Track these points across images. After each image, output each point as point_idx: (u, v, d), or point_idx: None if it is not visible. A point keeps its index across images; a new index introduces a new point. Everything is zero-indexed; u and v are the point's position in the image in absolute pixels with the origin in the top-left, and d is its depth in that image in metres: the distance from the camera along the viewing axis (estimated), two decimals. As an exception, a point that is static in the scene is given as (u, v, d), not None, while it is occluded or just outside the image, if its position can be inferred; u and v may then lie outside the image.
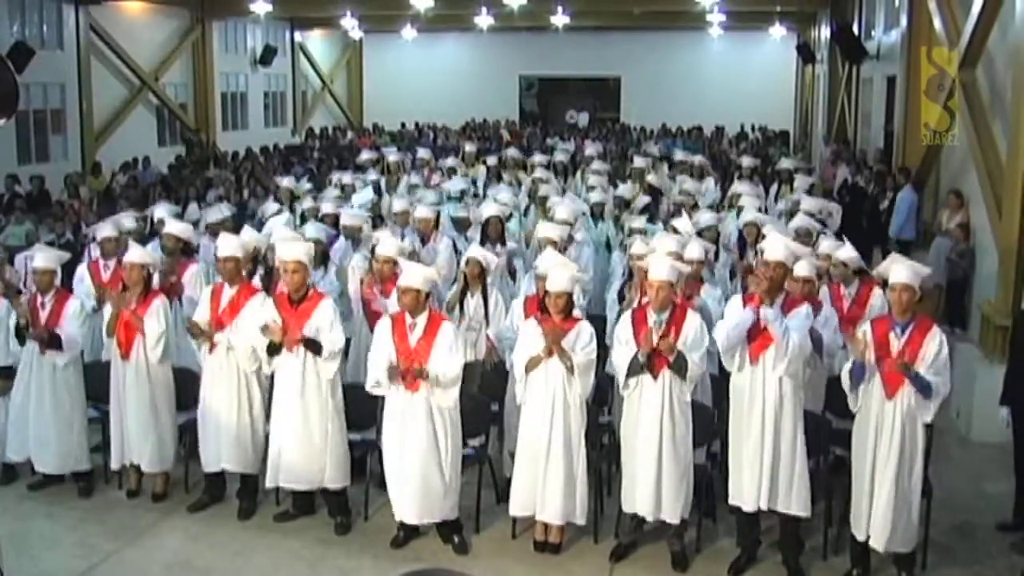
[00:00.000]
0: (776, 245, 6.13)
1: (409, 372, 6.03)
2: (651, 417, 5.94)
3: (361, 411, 6.66)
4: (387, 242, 7.66)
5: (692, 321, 5.96)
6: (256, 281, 7.55)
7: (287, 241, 6.78)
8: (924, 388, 5.55)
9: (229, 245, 6.89)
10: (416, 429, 6.11)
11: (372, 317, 7.33)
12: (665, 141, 23.70)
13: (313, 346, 6.38)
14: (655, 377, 5.92)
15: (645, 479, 5.97)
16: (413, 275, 6.21)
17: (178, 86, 24.04)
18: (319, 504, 6.78)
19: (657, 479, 5.95)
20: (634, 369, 5.94)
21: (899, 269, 5.73)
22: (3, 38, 17.40)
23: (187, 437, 7.09)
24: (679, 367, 5.87)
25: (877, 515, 5.69)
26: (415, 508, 6.20)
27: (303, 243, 6.81)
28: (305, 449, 6.47)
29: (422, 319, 6.16)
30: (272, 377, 6.67)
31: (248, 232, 8.30)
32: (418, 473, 6.12)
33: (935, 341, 5.59)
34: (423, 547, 6.38)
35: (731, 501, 6.04)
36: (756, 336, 5.78)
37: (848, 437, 5.99)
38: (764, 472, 5.83)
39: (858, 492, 5.82)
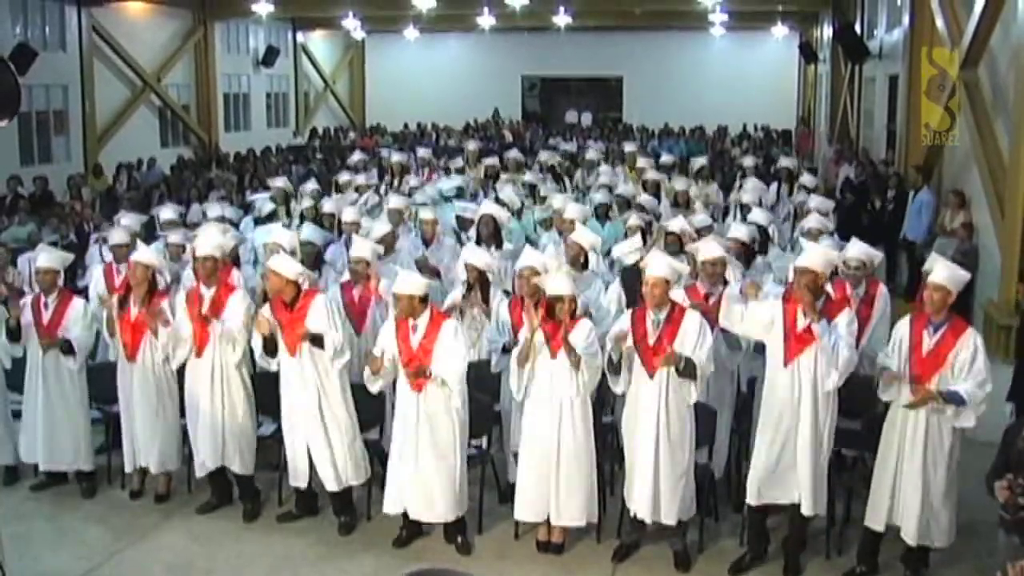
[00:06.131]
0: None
1: (414, 372, 6.03)
2: (648, 419, 5.88)
3: (359, 411, 6.62)
4: (359, 244, 7.62)
5: (691, 321, 5.87)
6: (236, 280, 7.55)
7: (276, 259, 6.61)
8: (957, 402, 5.44)
9: (207, 244, 6.87)
10: (423, 429, 6.10)
11: (357, 320, 7.34)
12: (654, 142, 23.81)
13: (315, 340, 6.33)
14: (651, 376, 5.88)
15: (642, 481, 5.93)
16: (405, 282, 6.17)
17: (180, 87, 24.04)
18: (322, 505, 6.78)
19: (655, 482, 5.89)
20: (612, 368, 5.96)
21: (939, 269, 5.67)
22: (6, 40, 17.40)
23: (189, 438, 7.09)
24: (687, 371, 5.77)
25: (908, 510, 5.65)
26: (422, 508, 6.20)
27: (293, 265, 6.54)
28: (326, 453, 6.45)
29: (423, 320, 6.14)
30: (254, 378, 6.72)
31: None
32: (425, 473, 6.11)
33: (968, 347, 5.47)
34: (426, 547, 6.37)
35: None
36: None
37: (849, 436, 5.98)
38: (768, 466, 5.82)
39: (881, 485, 5.77)
